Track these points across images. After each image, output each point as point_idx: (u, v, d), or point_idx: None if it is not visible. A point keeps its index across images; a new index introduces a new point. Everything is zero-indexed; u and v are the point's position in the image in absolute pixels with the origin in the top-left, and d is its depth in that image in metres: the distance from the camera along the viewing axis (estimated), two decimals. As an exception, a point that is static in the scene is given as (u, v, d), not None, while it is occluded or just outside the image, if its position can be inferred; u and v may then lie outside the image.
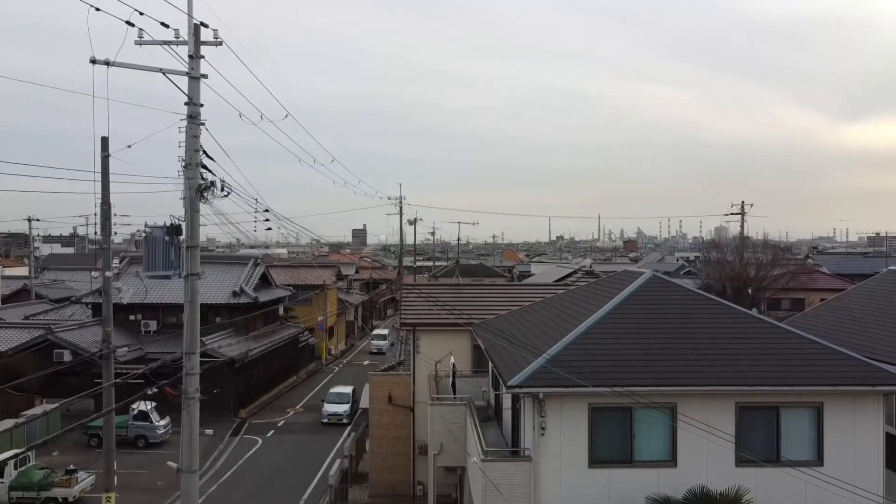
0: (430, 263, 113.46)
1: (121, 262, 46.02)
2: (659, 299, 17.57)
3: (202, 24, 14.21)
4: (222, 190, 13.91)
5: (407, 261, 79.99)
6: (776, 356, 15.68)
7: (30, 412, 33.74)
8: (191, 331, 14.42)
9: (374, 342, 66.60)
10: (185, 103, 14.32)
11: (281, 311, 50.26)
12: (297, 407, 42.68)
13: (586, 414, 15.01)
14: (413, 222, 64.22)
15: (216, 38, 14.47)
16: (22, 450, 26.44)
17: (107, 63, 13.45)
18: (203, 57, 14.42)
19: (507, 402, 18.06)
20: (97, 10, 12.27)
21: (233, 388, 38.75)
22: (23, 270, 74.16)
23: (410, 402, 26.20)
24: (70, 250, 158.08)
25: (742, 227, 60.56)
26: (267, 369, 44.79)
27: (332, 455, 32.80)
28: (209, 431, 34.46)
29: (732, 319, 17.03)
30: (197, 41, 14.25)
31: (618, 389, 14.56)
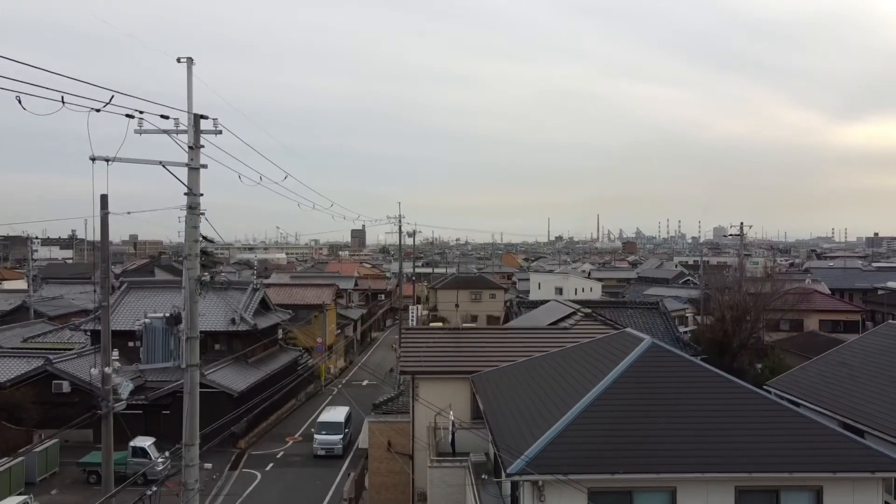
0: (429, 270, 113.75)
1: (120, 286, 46.01)
2: (657, 372, 17.56)
3: (201, 116, 14.19)
4: (222, 284, 13.94)
5: (407, 266, 79.98)
6: (776, 438, 15.67)
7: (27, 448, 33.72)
8: (190, 421, 14.41)
9: (320, 437, 38.17)
10: (185, 193, 14.29)
11: (279, 335, 50.20)
12: (296, 436, 42.49)
13: (585, 498, 15.03)
14: (412, 234, 64.47)
15: (216, 126, 14.47)
16: (21, 499, 26.40)
17: (106, 160, 13.47)
18: (203, 147, 14.40)
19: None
20: (97, 111, 12.21)
21: (231, 419, 38.65)
22: (21, 283, 74.27)
23: (409, 450, 26.17)
24: (69, 253, 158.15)
25: (741, 244, 60.73)
26: (266, 396, 44.68)
27: (331, 492, 32.93)
28: (208, 465, 34.43)
29: (731, 395, 16.99)
30: (197, 131, 14.23)
31: (617, 476, 14.71)
